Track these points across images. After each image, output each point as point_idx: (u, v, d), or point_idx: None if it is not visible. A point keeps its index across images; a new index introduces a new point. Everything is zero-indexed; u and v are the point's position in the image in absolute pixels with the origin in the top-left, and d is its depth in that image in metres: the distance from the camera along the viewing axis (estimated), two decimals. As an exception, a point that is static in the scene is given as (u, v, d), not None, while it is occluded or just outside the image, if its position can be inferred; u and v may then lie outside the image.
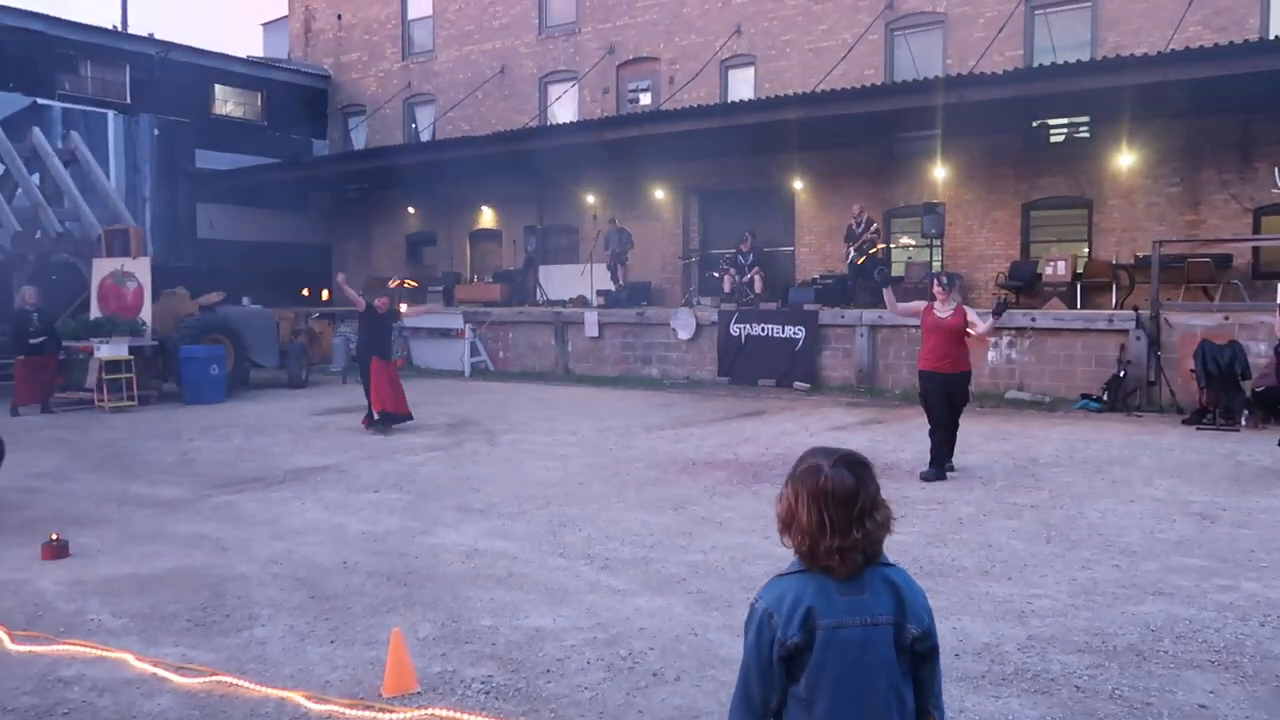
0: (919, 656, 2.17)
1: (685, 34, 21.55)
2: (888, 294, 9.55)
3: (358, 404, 15.31)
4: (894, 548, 6.91)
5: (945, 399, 8.92)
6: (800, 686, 2.13)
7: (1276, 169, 14.81)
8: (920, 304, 9.42)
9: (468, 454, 10.66)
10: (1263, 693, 4.26)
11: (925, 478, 8.79)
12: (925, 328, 9.12)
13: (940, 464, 8.93)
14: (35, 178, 17.99)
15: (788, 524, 2.16)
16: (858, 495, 2.10)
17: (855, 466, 2.14)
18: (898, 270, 18.76)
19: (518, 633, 5.04)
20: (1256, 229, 15.69)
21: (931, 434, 9.04)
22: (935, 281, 9.20)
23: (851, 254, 17.50)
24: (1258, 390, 12.09)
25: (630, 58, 22.50)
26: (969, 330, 8.98)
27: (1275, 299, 14.70)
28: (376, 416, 12.33)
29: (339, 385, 18.78)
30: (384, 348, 12.49)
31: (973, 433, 11.64)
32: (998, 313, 9.22)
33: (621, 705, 4.18)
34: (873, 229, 17.40)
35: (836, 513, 2.09)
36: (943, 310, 8.99)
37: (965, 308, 9.13)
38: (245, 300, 19.43)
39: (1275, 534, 6.93)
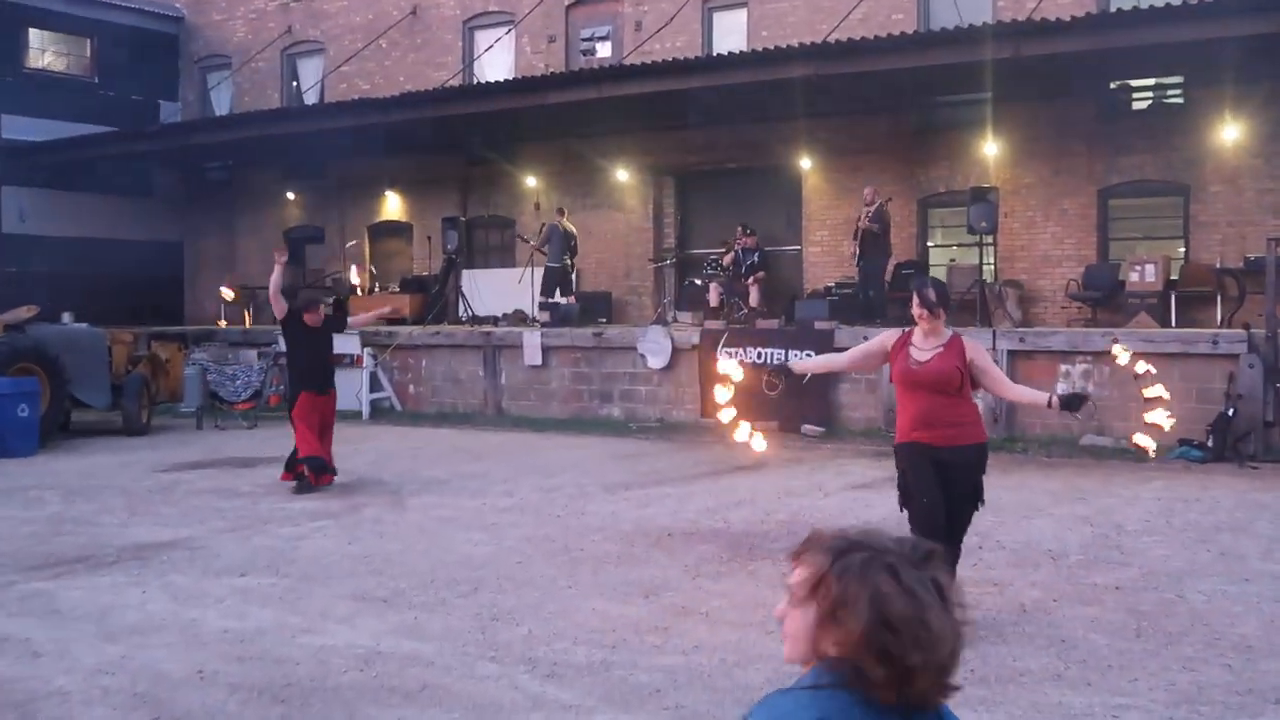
0: None
1: (656, -35, 21.76)
2: (808, 365, 8.85)
3: (216, 456, 15.19)
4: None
5: (935, 483, 7.04)
6: None
7: None
8: (884, 338, 7.47)
9: (367, 523, 10.59)
10: None
11: None
12: (895, 378, 7.28)
13: None
14: None
15: (833, 617, 1.94)
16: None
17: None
18: (937, 274, 18.96)
19: (435, 765, 4.99)
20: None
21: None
22: (916, 296, 7.02)
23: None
24: None
25: (584, -4, 22.70)
26: (973, 384, 7.05)
27: None
28: (302, 465, 11.98)
29: (193, 431, 18.58)
30: (322, 374, 12.36)
31: (1039, 491, 11.74)
32: (1069, 406, 6.99)
33: None
34: (865, 217, 17.37)
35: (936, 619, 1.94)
36: (922, 349, 7.01)
37: (966, 341, 7.13)
38: (66, 317, 19.22)
39: None
